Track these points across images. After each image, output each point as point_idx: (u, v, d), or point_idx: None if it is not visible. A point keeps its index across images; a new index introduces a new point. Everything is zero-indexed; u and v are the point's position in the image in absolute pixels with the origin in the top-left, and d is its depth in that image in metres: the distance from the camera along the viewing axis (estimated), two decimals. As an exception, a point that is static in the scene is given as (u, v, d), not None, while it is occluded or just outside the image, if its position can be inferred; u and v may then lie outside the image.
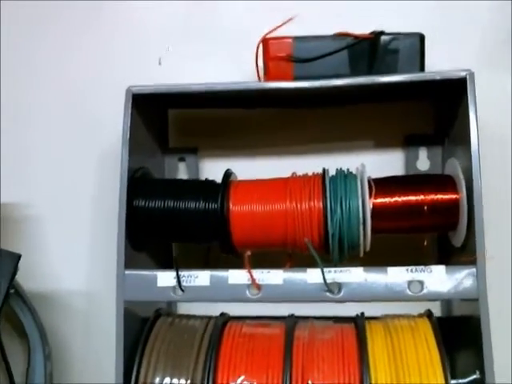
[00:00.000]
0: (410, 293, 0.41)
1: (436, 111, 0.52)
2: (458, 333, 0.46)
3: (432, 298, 0.41)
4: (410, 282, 0.41)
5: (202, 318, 0.47)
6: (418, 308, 0.46)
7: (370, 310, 0.46)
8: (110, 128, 0.53)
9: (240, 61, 0.50)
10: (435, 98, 0.51)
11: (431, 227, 0.44)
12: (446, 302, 0.51)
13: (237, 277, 0.43)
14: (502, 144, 0.51)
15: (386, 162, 0.52)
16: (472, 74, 0.41)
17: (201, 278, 0.43)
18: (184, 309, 0.55)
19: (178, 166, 0.55)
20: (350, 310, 0.46)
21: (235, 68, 0.52)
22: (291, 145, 0.54)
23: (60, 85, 0.58)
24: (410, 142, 0.51)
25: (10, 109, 0.59)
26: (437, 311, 0.51)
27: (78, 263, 0.57)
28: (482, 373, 0.40)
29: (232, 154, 0.55)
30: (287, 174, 0.46)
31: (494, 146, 0.50)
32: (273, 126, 0.54)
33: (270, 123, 0.54)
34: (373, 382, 0.39)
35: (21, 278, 0.53)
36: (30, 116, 0.58)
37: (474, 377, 0.41)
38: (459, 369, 0.46)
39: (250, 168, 0.51)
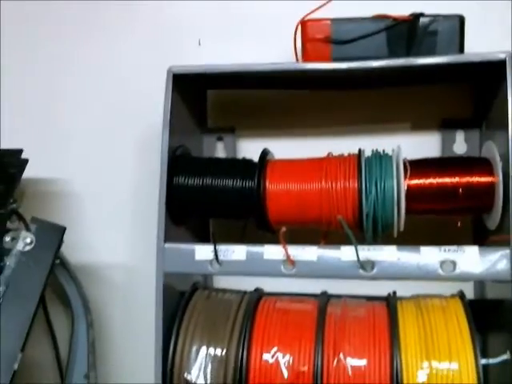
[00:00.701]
0: (442, 272, 0.41)
1: (474, 95, 0.52)
2: (491, 315, 0.47)
3: (464, 278, 0.41)
4: (442, 262, 0.41)
5: (237, 292, 0.48)
6: (451, 289, 0.47)
7: (403, 289, 0.47)
8: (150, 108, 0.54)
9: (278, 43, 0.51)
10: (474, 82, 0.51)
11: (466, 210, 0.44)
12: (479, 284, 0.51)
13: (272, 252, 0.44)
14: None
15: (423, 145, 0.52)
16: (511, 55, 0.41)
17: (237, 252, 0.44)
18: (220, 284, 0.56)
19: (216, 146, 0.56)
20: (383, 289, 0.47)
21: (273, 50, 0.53)
22: (328, 126, 0.55)
23: (103, 66, 0.60)
24: (447, 125, 0.52)
25: (54, 89, 0.61)
26: (470, 293, 0.52)
27: (119, 237, 0.60)
28: (512, 354, 0.40)
29: (269, 133, 0.56)
30: (323, 155, 0.47)
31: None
32: (310, 107, 0.55)
33: (307, 104, 0.55)
34: (403, 358, 0.40)
35: (65, 250, 0.55)
36: (74, 97, 0.61)
37: (505, 357, 0.41)
38: (490, 350, 0.46)
39: (286, 148, 0.52)
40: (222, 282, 0.56)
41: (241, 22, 0.57)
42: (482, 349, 0.47)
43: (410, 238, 0.44)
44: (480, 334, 0.48)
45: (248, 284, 0.49)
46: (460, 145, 0.51)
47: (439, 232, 0.46)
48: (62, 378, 0.58)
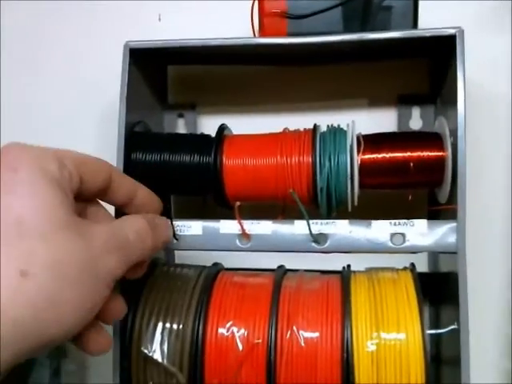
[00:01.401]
0: (392, 245, 0.42)
1: (429, 71, 0.52)
2: (442, 288, 0.48)
3: (413, 250, 0.42)
4: (392, 235, 0.42)
5: (195, 267, 0.49)
6: (406, 263, 0.48)
7: (360, 264, 0.47)
8: (110, 85, 0.53)
9: (238, 18, 0.51)
10: (428, 57, 0.51)
11: (417, 183, 0.45)
12: (433, 258, 0.53)
13: (228, 227, 0.44)
14: (492, 104, 0.51)
15: (379, 121, 0.53)
16: (462, 32, 0.41)
17: (194, 227, 0.45)
18: (180, 259, 0.57)
19: (177, 122, 0.56)
20: (340, 264, 0.48)
21: (233, 25, 0.52)
22: (286, 102, 0.55)
23: (59, 42, 0.59)
24: (402, 100, 0.52)
25: (10, 68, 0.60)
26: (424, 267, 0.53)
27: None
28: (459, 324, 0.41)
29: (229, 110, 0.56)
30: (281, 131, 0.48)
31: (484, 106, 0.51)
32: (269, 83, 0.55)
33: (266, 81, 0.55)
34: (353, 330, 0.41)
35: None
36: (30, 73, 0.60)
37: (452, 327, 0.42)
38: (442, 321, 0.48)
39: (246, 124, 0.52)
40: (184, 259, 0.56)
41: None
42: (435, 321, 0.49)
43: (366, 213, 0.44)
44: (433, 307, 0.50)
45: (209, 260, 0.50)
46: (416, 121, 0.52)
47: (393, 206, 0.47)
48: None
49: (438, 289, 0.49)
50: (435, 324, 0.50)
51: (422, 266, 0.52)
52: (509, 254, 0.52)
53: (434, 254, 0.52)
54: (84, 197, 0.37)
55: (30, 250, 0.29)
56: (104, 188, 0.39)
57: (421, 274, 0.44)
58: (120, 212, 0.42)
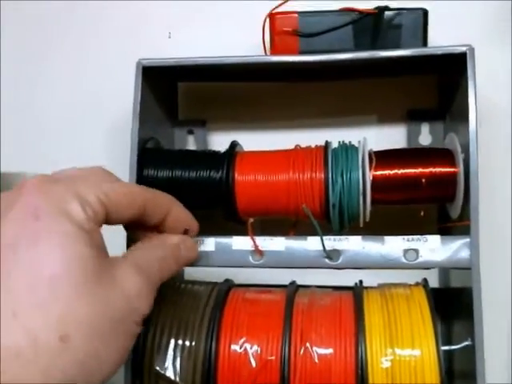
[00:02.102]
0: (405, 261, 0.42)
1: (439, 87, 0.53)
2: (454, 303, 0.48)
3: (427, 266, 0.42)
4: (405, 251, 0.42)
5: (207, 283, 0.49)
6: (418, 279, 0.47)
7: (371, 280, 0.48)
8: (120, 102, 0.54)
9: (249, 35, 0.51)
10: (438, 74, 0.52)
11: (429, 199, 0.45)
12: (444, 274, 0.53)
13: (240, 243, 0.44)
14: (502, 119, 0.52)
15: (389, 137, 0.53)
16: (472, 49, 0.42)
17: (206, 243, 0.45)
18: (190, 276, 0.57)
19: (187, 139, 0.56)
20: (351, 279, 0.48)
21: (244, 42, 0.53)
22: (297, 118, 0.55)
23: (69, 59, 0.60)
24: (412, 116, 0.52)
25: (23, 80, 0.60)
26: (435, 283, 0.53)
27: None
28: (473, 340, 0.41)
29: (239, 127, 0.56)
30: (292, 147, 0.48)
31: (494, 121, 0.51)
32: (279, 100, 0.56)
33: (276, 97, 0.56)
34: (367, 346, 0.41)
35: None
36: (43, 90, 0.60)
37: (466, 343, 0.42)
38: (454, 337, 0.48)
39: (256, 141, 0.52)
40: (193, 274, 0.56)
41: (214, 13, 0.57)
42: (447, 336, 0.49)
43: (377, 229, 0.44)
44: (444, 322, 0.50)
45: (219, 276, 0.49)
46: (425, 137, 0.52)
47: (405, 222, 0.47)
48: None
49: (450, 304, 0.49)
50: (446, 340, 0.50)
51: (433, 282, 0.52)
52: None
53: (445, 270, 0.52)
54: (112, 224, 0.35)
55: (67, 311, 0.28)
56: (136, 217, 0.37)
57: (432, 290, 0.44)
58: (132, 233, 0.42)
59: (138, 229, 0.40)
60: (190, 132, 0.56)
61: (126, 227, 0.41)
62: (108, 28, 0.59)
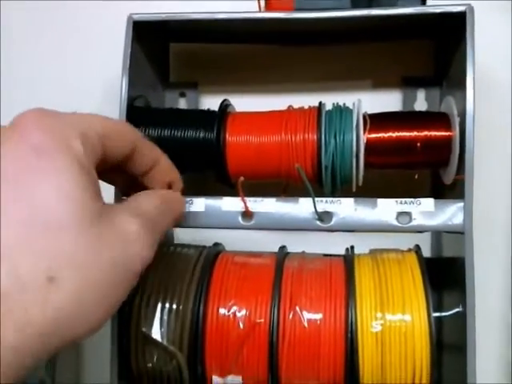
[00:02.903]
0: (398, 224, 0.41)
1: (434, 53, 0.52)
2: (446, 272, 0.47)
3: (419, 229, 0.41)
4: (398, 214, 0.41)
5: (196, 247, 0.48)
6: (409, 245, 0.47)
7: (363, 248, 0.47)
8: (113, 59, 0.53)
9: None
10: (435, 38, 0.51)
11: (423, 163, 0.44)
12: (436, 243, 0.52)
13: (230, 204, 0.43)
14: (501, 87, 0.51)
15: (384, 103, 0.52)
16: (471, 8, 0.41)
17: (196, 204, 0.44)
18: (181, 237, 0.56)
19: (179, 102, 0.55)
20: (343, 247, 0.47)
21: (239, 2, 0.52)
22: (290, 82, 0.54)
23: (64, 16, 0.58)
24: (407, 83, 0.52)
25: (10, 39, 0.59)
26: (427, 252, 0.53)
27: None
28: (464, 307, 0.41)
29: (232, 90, 0.55)
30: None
31: (493, 88, 0.50)
32: (273, 62, 0.54)
33: (270, 60, 0.54)
34: (358, 310, 0.40)
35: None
36: (32, 48, 0.59)
37: (457, 310, 0.42)
38: (445, 304, 0.47)
39: (249, 104, 0.51)
40: (183, 236, 0.55)
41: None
42: (438, 303, 0.49)
43: (369, 193, 0.43)
44: (436, 292, 0.49)
45: (208, 239, 0.49)
46: (421, 103, 0.51)
47: (398, 189, 0.46)
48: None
49: (441, 274, 0.48)
50: (437, 309, 0.49)
51: (425, 251, 0.51)
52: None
53: (438, 239, 0.52)
54: (105, 167, 0.34)
55: (59, 251, 0.26)
56: (126, 158, 0.36)
57: (424, 259, 0.44)
58: (123, 191, 0.41)
59: (125, 184, 0.39)
60: (182, 95, 0.55)
61: (115, 182, 0.40)
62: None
